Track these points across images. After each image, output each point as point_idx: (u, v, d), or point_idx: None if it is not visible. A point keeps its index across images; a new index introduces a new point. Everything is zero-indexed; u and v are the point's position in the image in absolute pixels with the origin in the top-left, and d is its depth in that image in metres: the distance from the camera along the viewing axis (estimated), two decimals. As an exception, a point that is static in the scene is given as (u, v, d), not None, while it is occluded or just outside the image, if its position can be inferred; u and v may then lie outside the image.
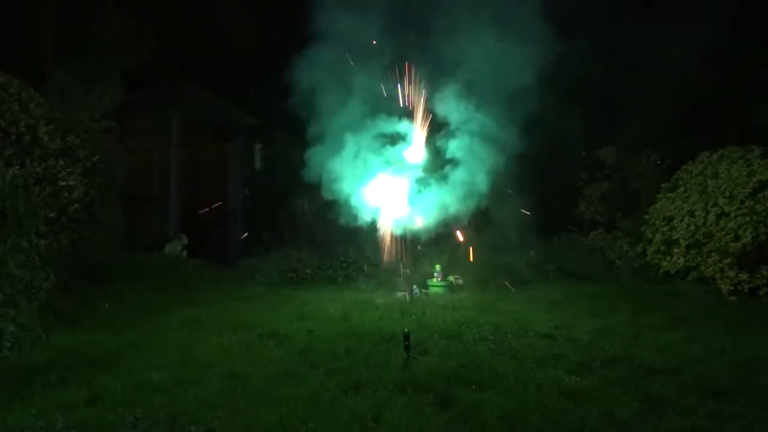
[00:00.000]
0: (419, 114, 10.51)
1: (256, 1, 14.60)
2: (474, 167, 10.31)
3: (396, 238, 10.54)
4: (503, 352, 6.47)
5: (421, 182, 10.56)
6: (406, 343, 6.02)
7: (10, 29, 10.66)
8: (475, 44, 9.89)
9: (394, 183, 10.45)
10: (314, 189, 10.88)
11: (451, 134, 10.41)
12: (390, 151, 10.43)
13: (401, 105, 10.49)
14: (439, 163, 10.54)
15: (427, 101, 10.41)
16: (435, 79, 10.36)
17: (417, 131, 10.55)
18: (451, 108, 10.32)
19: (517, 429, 4.57)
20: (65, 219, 8.94)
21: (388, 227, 10.48)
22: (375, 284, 10.77)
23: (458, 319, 7.93)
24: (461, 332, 7.27)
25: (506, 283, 10.51)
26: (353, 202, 10.34)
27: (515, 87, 9.72)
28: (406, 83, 10.41)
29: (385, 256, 11.03)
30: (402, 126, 10.45)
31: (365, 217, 10.43)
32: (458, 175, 10.34)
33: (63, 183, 8.87)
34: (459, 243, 11.54)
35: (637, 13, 12.47)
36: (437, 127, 10.54)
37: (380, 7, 9.89)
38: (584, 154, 12.89)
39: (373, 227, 10.55)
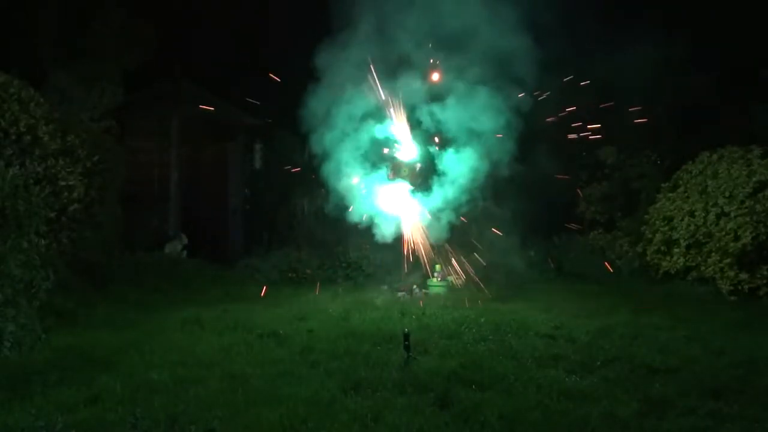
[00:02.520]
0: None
1: (257, 1, 14.60)
2: (472, 167, 10.29)
3: (395, 238, 10.52)
4: (503, 352, 6.47)
5: (420, 184, 10.54)
6: (406, 343, 6.02)
7: (10, 29, 10.66)
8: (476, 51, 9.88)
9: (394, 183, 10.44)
10: (314, 189, 10.83)
11: (447, 137, 10.38)
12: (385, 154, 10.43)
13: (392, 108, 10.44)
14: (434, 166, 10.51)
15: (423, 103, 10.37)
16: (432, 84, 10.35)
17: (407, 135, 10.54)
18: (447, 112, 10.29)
19: (517, 429, 4.57)
20: (65, 219, 8.95)
21: (387, 227, 10.45)
22: (375, 284, 10.76)
23: (458, 319, 7.91)
24: (461, 332, 7.28)
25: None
26: (354, 202, 10.33)
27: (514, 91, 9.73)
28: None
29: (385, 256, 11.01)
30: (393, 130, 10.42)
31: (365, 217, 10.42)
32: (457, 174, 10.32)
33: (63, 183, 8.88)
34: (459, 242, 11.51)
35: (638, 12, 12.46)
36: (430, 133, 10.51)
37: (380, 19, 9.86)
38: (584, 154, 12.88)
39: (372, 227, 10.53)
